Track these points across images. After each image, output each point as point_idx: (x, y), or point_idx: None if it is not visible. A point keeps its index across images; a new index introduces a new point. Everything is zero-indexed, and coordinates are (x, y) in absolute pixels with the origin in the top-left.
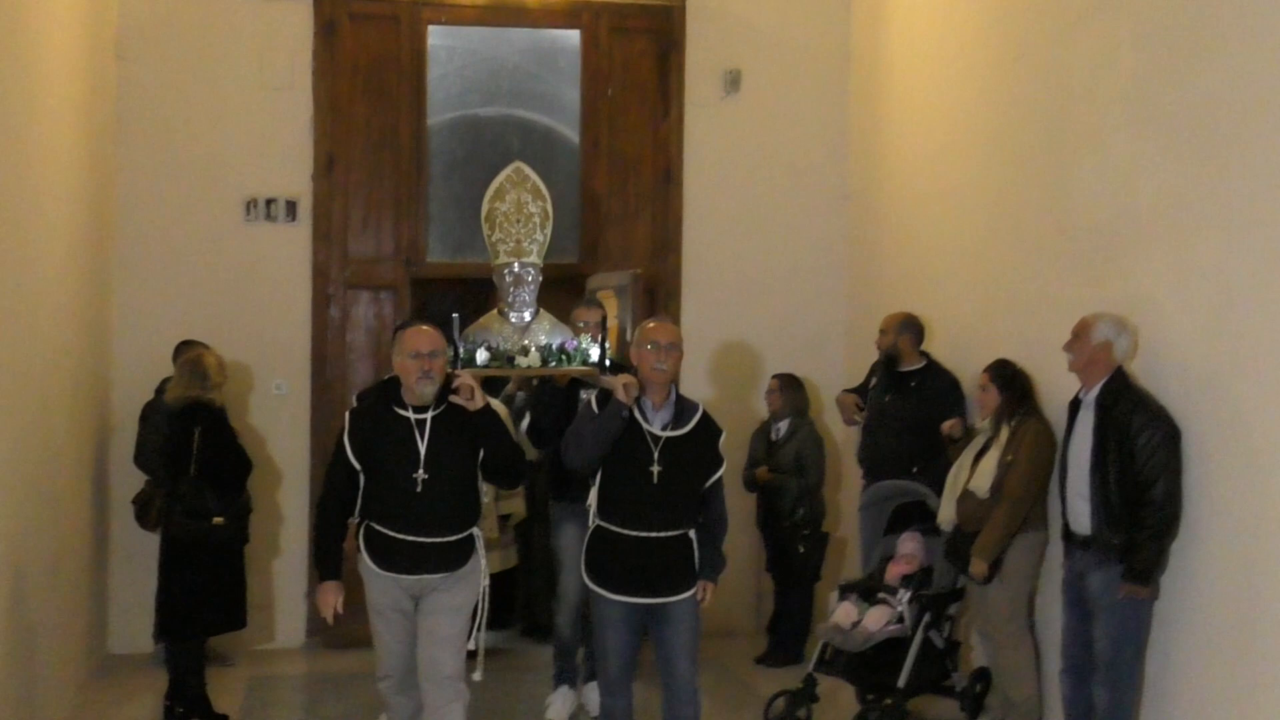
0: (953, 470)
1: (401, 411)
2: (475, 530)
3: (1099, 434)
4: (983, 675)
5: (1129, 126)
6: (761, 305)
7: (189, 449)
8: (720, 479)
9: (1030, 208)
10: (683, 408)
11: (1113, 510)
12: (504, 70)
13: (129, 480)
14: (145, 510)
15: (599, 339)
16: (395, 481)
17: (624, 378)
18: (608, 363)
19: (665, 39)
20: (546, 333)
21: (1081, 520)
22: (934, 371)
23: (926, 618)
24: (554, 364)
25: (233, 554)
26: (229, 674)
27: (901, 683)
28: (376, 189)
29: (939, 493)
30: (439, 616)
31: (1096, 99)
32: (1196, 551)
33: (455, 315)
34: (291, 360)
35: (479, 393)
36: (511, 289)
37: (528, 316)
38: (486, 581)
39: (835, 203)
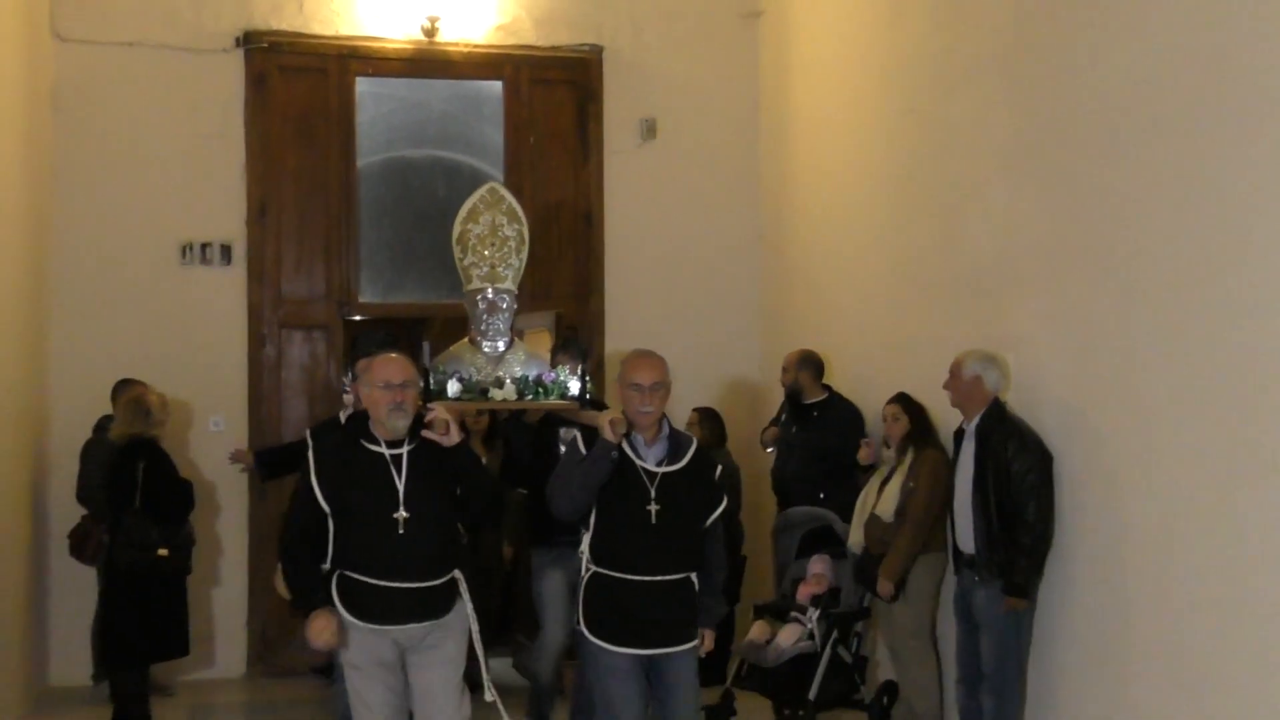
0: (860, 497)
1: (374, 447)
2: (458, 573)
3: (979, 461)
4: (889, 688)
5: (1006, 179)
6: (680, 341)
7: (133, 483)
8: (719, 518)
9: (921, 252)
10: (677, 441)
11: (993, 531)
12: (430, 116)
13: (68, 515)
14: (82, 544)
15: (578, 372)
16: (373, 523)
17: (610, 414)
18: (588, 396)
19: (584, 89)
20: (522, 363)
21: (966, 540)
22: (836, 403)
23: (835, 634)
24: (530, 397)
25: (176, 584)
26: (170, 703)
27: (812, 695)
28: (308, 232)
29: (844, 516)
30: (433, 671)
31: (977, 153)
32: (1069, 567)
33: (425, 343)
34: (228, 397)
35: (454, 427)
36: (485, 316)
37: (501, 346)
38: (476, 626)
39: (748, 244)
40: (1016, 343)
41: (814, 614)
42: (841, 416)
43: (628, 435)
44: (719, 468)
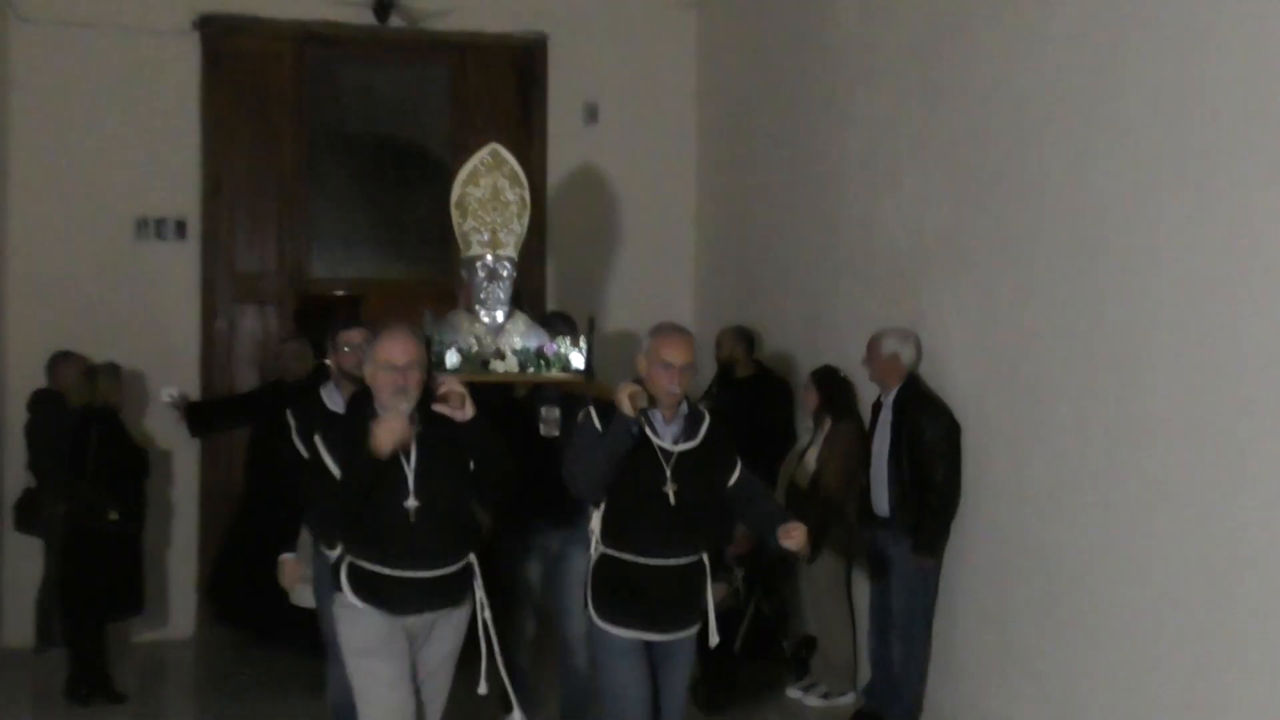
0: (783, 466)
1: None
2: (471, 557)
3: (895, 430)
4: (808, 641)
5: (918, 168)
6: (618, 317)
7: (86, 451)
8: (746, 473)
9: (843, 235)
10: (694, 417)
11: (905, 494)
12: (380, 97)
13: (23, 483)
14: (30, 515)
15: (580, 344)
16: (383, 511)
17: (628, 388)
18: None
19: (528, 74)
20: (522, 334)
21: (881, 503)
22: (765, 377)
23: (758, 591)
24: (533, 370)
25: (130, 544)
26: (123, 662)
27: (736, 647)
28: (261, 209)
29: (772, 483)
30: (434, 669)
31: (893, 142)
32: (972, 527)
33: (428, 311)
34: (183, 369)
35: (470, 401)
36: (484, 285)
37: (500, 316)
38: (488, 614)
39: (683, 224)
40: (926, 320)
41: (739, 573)
42: (770, 390)
43: (645, 410)
44: (732, 436)
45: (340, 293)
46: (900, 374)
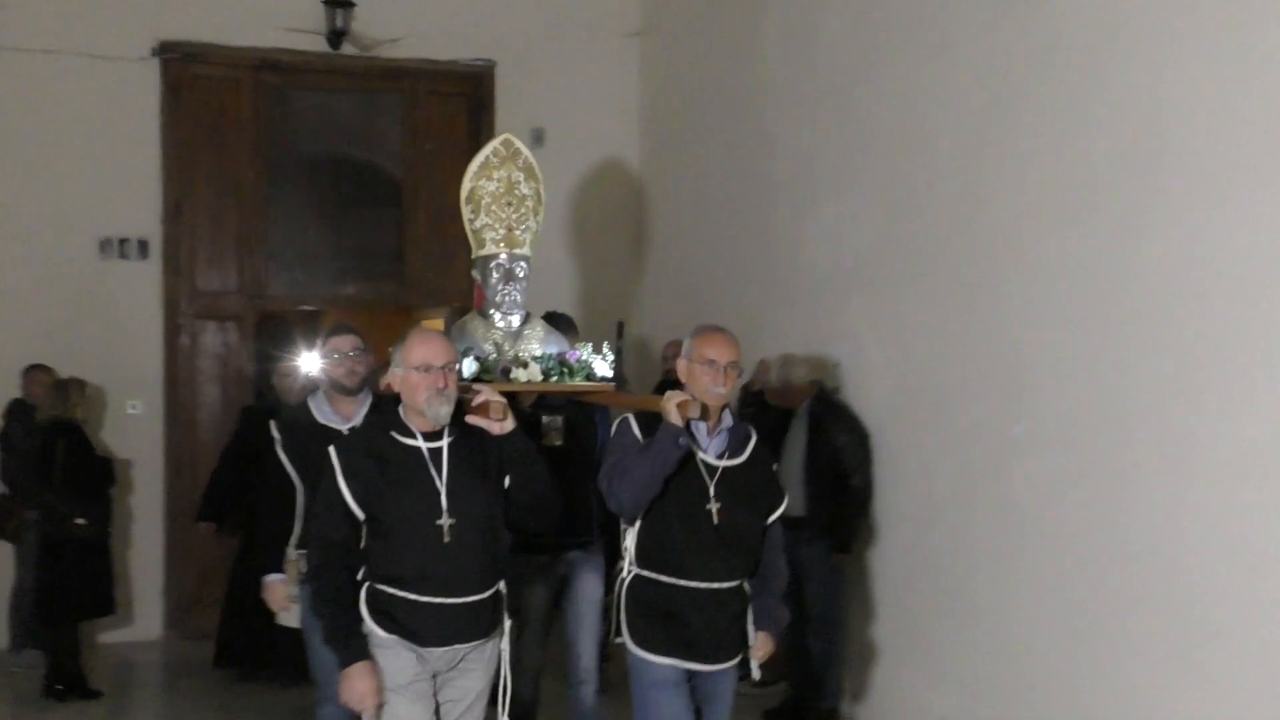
0: None
1: (408, 440)
2: (501, 584)
3: (810, 438)
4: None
5: (837, 195)
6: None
7: (54, 461)
8: (780, 519)
9: (773, 256)
10: (738, 433)
11: (822, 497)
12: (336, 121)
13: None
14: (2, 520)
15: (604, 351)
16: (414, 531)
17: (677, 396)
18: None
19: (477, 100)
20: (540, 340)
21: (796, 506)
22: None
23: None
24: (555, 378)
25: (98, 549)
26: (94, 660)
27: None
28: (221, 229)
29: None
30: (462, 707)
31: (816, 172)
32: (886, 527)
33: (447, 318)
34: (146, 383)
35: (510, 413)
36: (500, 286)
37: (517, 320)
38: (508, 647)
39: (626, 244)
40: (846, 337)
41: None
42: None
43: (691, 421)
44: (777, 464)
45: (303, 308)
46: (804, 392)
